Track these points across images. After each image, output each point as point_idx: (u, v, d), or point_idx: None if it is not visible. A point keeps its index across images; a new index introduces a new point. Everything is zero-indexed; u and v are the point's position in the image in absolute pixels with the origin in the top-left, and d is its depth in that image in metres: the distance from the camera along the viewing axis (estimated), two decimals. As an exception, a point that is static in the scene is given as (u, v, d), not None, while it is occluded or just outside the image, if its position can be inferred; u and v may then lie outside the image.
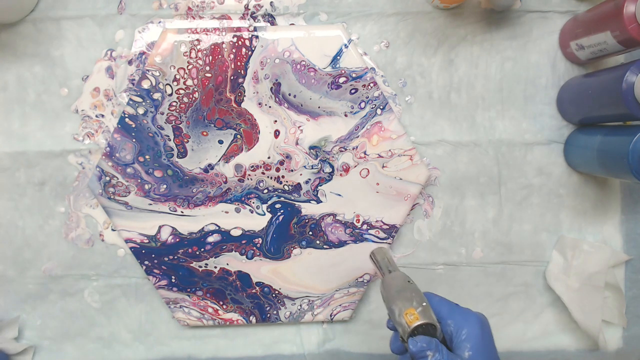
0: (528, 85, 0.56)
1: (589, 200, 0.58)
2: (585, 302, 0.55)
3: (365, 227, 0.55)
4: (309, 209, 0.55)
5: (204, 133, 0.53)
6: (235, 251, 0.55)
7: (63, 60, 0.54)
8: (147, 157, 0.53)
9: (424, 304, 0.39)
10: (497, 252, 0.58)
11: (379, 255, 0.48)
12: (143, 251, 0.55)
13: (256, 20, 0.54)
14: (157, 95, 0.52)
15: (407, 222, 0.57)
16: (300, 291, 0.57)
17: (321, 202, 0.55)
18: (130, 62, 0.54)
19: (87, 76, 0.54)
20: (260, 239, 0.55)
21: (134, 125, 0.52)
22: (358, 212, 0.55)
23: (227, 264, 0.56)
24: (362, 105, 0.53)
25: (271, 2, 0.54)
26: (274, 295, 0.57)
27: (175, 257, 0.55)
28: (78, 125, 0.55)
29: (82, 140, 0.55)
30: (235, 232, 0.55)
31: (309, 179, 0.54)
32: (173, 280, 0.56)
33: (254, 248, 0.55)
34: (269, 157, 0.54)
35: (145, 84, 0.52)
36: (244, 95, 0.52)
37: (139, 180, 0.53)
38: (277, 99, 0.53)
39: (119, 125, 0.52)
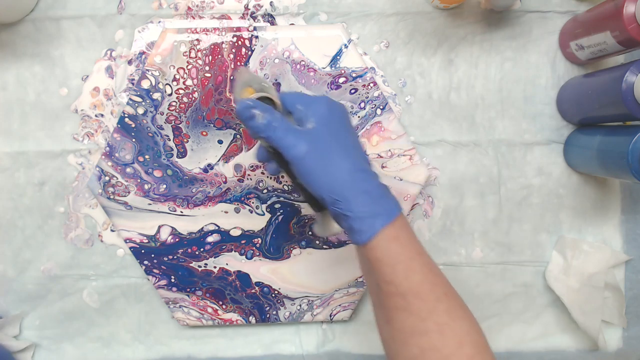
0: (528, 86, 0.56)
1: (589, 200, 0.58)
2: (585, 302, 0.55)
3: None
4: (308, 209, 0.55)
5: (204, 133, 0.53)
6: (234, 251, 0.55)
7: (63, 60, 0.54)
8: (146, 157, 0.53)
9: (265, 84, 0.38)
10: (497, 252, 0.58)
11: (238, 76, 0.43)
12: (142, 251, 0.55)
13: (256, 20, 0.54)
14: (156, 95, 0.52)
15: (407, 222, 0.57)
16: (300, 291, 0.57)
17: (321, 202, 0.55)
18: (130, 62, 0.54)
19: (87, 76, 0.54)
20: (259, 239, 0.55)
21: (133, 125, 0.52)
22: (358, 212, 0.55)
23: (227, 264, 0.56)
24: (362, 105, 0.53)
25: (271, 2, 0.54)
26: (273, 295, 0.57)
27: (175, 257, 0.55)
28: (78, 125, 0.55)
29: (81, 140, 0.55)
30: (235, 232, 0.55)
31: (309, 179, 0.54)
32: (172, 280, 0.56)
33: (254, 248, 0.55)
34: (268, 157, 0.54)
35: (145, 84, 0.52)
36: (244, 95, 0.52)
37: (139, 180, 0.53)
38: (276, 99, 0.53)
39: (119, 125, 0.52)
